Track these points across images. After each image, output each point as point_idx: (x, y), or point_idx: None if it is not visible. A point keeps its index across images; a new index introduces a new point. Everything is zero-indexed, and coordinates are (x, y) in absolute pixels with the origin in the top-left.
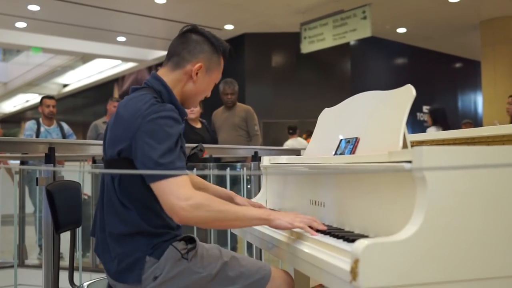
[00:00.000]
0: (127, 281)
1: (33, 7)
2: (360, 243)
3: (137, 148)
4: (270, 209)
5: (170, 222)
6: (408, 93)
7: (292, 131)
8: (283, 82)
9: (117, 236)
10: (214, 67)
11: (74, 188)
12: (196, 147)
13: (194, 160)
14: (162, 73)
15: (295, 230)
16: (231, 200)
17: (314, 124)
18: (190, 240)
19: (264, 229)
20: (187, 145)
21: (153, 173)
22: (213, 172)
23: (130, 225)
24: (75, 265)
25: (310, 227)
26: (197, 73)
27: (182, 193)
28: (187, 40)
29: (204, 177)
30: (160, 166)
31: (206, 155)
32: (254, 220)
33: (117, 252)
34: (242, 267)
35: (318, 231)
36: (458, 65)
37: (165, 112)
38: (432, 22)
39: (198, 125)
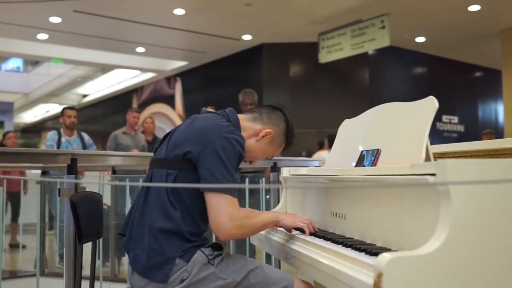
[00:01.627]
0: (154, 278)
1: (55, 19)
2: (384, 257)
3: (206, 156)
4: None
5: (202, 232)
6: (430, 104)
7: (319, 146)
8: (301, 92)
9: (156, 230)
10: (276, 143)
11: (96, 199)
12: None
13: None
14: (241, 116)
15: (313, 241)
16: None
17: (331, 134)
18: (217, 248)
19: (282, 240)
20: None
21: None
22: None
23: (171, 223)
24: (96, 274)
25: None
26: (263, 136)
27: (233, 213)
28: (273, 111)
29: None
30: (225, 180)
31: None
32: (270, 224)
33: (151, 247)
34: (266, 276)
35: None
36: (478, 74)
37: (238, 136)
38: (451, 31)
39: None
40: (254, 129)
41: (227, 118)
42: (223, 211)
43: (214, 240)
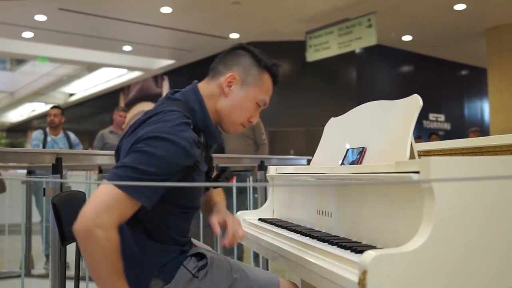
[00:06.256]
0: None
1: (40, 17)
2: (368, 254)
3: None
4: None
5: (178, 237)
6: (415, 102)
7: None
8: (288, 91)
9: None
10: (252, 81)
11: (79, 198)
12: (224, 172)
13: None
14: (201, 85)
15: (300, 239)
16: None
17: (320, 132)
18: (200, 258)
19: (271, 239)
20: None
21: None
22: (219, 184)
23: (134, 242)
24: (82, 274)
25: None
26: (230, 86)
27: (104, 216)
28: (227, 55)
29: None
30: (118, 169)
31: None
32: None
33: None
34: (251, 281)
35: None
36: (464, 72)
37: (178, 136)
38: (437, 30)
39: None
40: (218, 86)
41: (188, 104)
42: (94, 207)
43: (201, 240)
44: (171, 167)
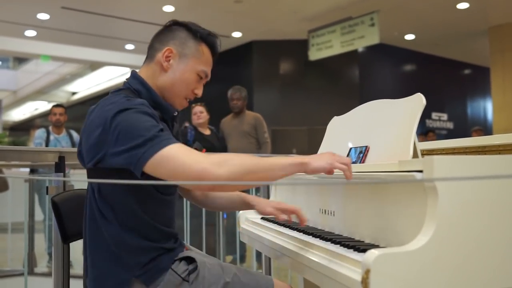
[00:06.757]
0: None
1: (43, 16)
2: (371, 254)
3: (109, 148)
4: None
5: (160, 226)
6: (418, 101)
7: None
8: (291, 90)
9: (99, 253)
10: (189, 53)
11: (83, 196)
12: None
13: None
14: (141, 70)
15: (303, 238)
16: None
17: (322, 131)
18: (190, 260)
19: (274, 238)
20: None
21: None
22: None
23: (111, 240)
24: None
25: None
26: (168, 60)
27: (195, 155)
28: (163, 31)
29: None
30: (152, 139)
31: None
32: (289, 167)
33: (96, 274)
34: (244, 285)
35: None
36: (467, 71)
37: (131, 104)
38: (440, 29)
39: (207, 132)
40: (156, 64)
41: (131, 88)
42: (184, 160)
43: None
44: (154, 118)
